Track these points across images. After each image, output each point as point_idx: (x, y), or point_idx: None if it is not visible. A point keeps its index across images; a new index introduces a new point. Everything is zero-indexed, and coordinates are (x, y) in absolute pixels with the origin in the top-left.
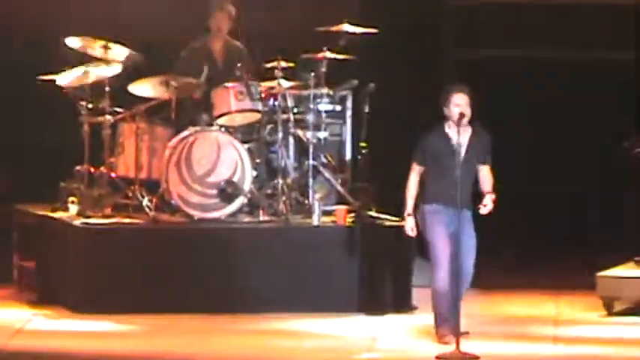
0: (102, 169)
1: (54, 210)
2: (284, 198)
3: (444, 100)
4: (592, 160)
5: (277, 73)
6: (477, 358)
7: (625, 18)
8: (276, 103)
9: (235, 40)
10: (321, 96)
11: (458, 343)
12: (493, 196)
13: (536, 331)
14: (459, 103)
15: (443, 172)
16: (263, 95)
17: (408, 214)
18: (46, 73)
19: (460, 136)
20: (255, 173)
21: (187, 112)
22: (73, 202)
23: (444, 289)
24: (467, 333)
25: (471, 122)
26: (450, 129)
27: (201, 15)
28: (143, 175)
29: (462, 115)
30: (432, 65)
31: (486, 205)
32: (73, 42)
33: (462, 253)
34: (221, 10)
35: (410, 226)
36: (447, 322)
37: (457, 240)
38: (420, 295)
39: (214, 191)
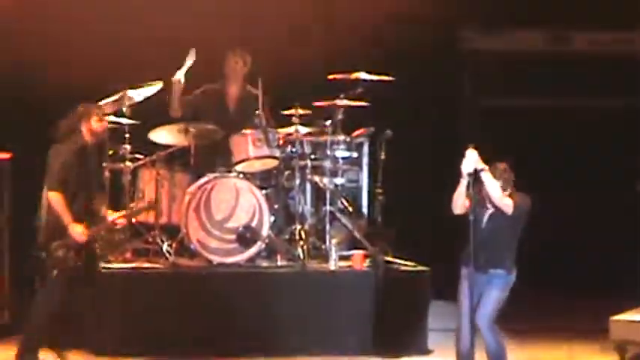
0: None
1: None
2: (301, 243)
3: None
4: (606, 207)
5: (294, 120)
6: None
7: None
8: (294, 149)
9: (252, 86)
10: (338, 143)
11: None
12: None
13: None
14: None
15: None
16: (281, 142)
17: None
18: None
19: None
20: (273, 219)
21: (206, 159)
22: None
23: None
24: None
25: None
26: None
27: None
28: (163, 220)
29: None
30: (448, 113)
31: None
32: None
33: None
34: (234, 56)
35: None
36: None
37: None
38: (435, 339)
39: (233, 236)
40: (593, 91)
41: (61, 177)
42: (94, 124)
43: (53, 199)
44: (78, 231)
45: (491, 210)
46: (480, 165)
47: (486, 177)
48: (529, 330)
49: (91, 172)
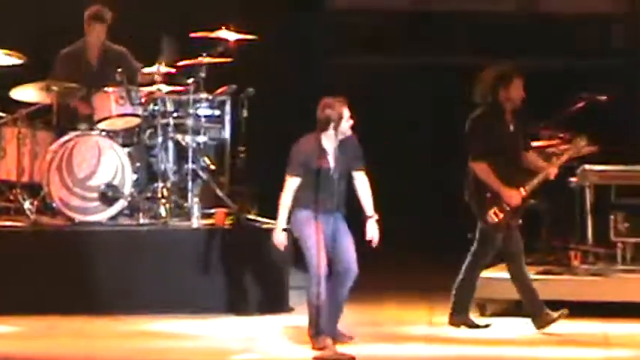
0: None
1: None
2: (164, 201)
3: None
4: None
5: (157, 78)
6: (353, 358)
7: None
8: (156, 107)
9: (115, 43)
10: (200, 101)
11: (334, 344)
12: (376, 218)
13: (411, 331)
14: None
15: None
16: (143, 100)
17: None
18: None
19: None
20: (135, 177)
21: (68, 117)
22: None
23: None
24: (351, 338)
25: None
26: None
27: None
28: (25, 178)
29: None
30: (307, 71)
31: (373, 239)
32: None
33: (341, 252)
34: (93, 19)
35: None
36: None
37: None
38: (297, 297)
39: (95, 194)
40: (451, 50)
41: (483, 146)
42: (512, 92)
43: (479, 168)
44: (511, 194)
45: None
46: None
47: None
48: (389, 290)
49: (512, 138)
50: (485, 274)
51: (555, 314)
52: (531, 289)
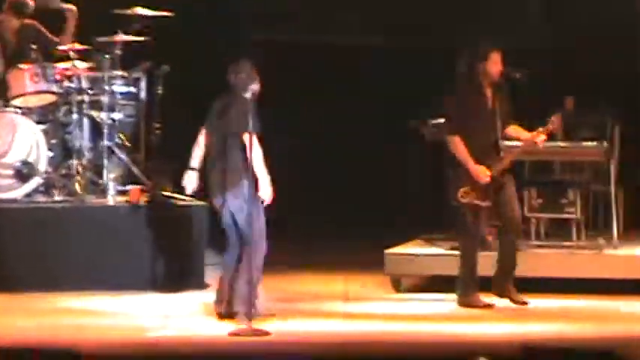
0: None
1: None
2: (79, 178)
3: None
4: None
5: (72, 55)
6: (269, 334)
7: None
8: (72, 84)
9: (33, 19)
10: (116, 78)
11: (250, 320)
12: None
13: (327, 308)
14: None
15: None
16: (58, 77)
17: None
18: None
19: None
20: (50, 154)
21: None
22: None
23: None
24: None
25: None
26: None
27: None
28: None
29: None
30: (226, 47)
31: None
32: None
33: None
34: (11, 12)
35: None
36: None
37: None
38: (213, 273)
39: (10, 172)
40: (359, 29)
41: (456, 120)
42: (489, 67)
43: (452, 143)
44: (477, 171)
45: None
46: None
47: None
48: (305, 266)
49: (490, 113)
50: (400, 249)
51: (482, 303)
52: (474, 270)
